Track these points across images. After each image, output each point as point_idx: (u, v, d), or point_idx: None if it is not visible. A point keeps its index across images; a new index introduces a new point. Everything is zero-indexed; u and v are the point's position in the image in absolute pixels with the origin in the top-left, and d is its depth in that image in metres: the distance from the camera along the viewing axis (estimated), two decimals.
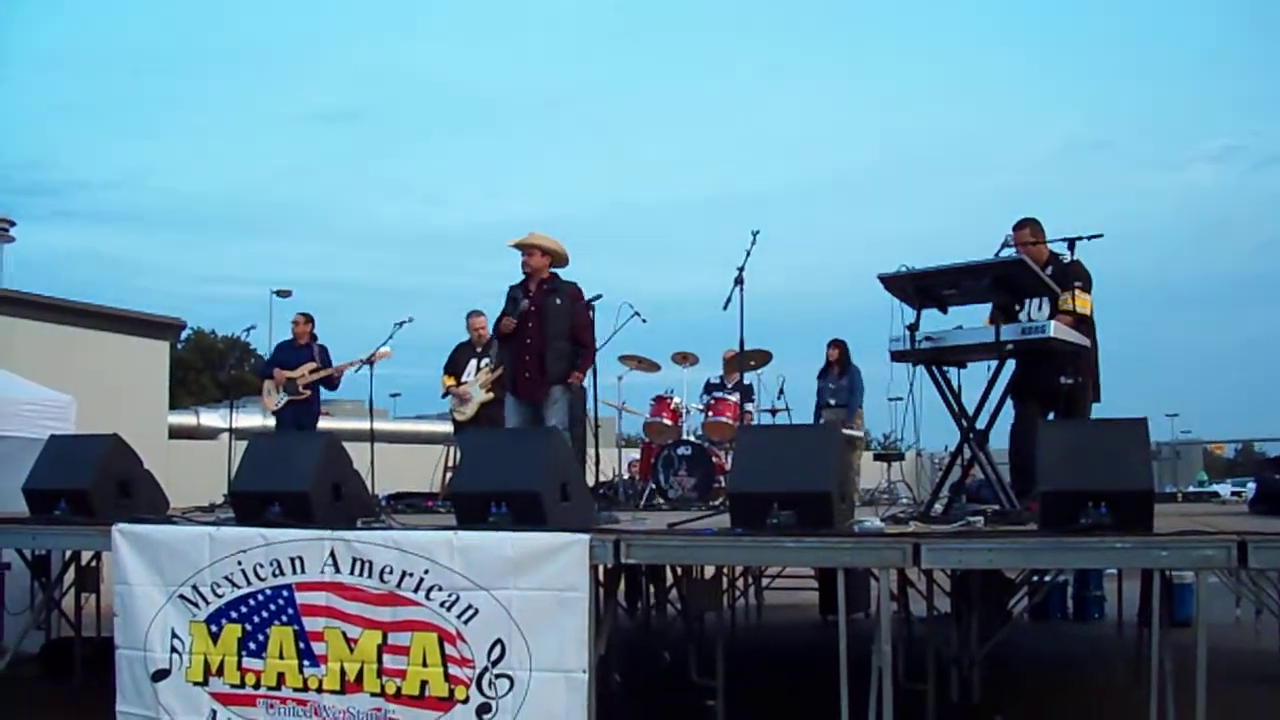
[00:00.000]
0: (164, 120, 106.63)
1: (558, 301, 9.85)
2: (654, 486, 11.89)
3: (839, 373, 14.32)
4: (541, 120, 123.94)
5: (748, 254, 10.35)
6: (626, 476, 13.60)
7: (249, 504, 7.11)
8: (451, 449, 12.86)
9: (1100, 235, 8.11)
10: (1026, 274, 7.37)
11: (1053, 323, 7.23)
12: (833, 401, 14.11)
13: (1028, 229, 8.46)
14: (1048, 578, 10.28)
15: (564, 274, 10.05)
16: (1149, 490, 5.81)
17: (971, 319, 7.73)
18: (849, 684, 5.75)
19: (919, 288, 7.35)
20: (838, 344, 14.46)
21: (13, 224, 22.59)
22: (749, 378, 13.16)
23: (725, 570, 9.46)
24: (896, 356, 7.43)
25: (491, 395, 11.85)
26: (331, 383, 13.31)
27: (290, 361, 13.23)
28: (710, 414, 12.75)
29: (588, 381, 10.36)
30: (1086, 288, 8.14)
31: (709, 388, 13.58)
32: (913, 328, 7.33)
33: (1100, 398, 8.41)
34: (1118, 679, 8.79)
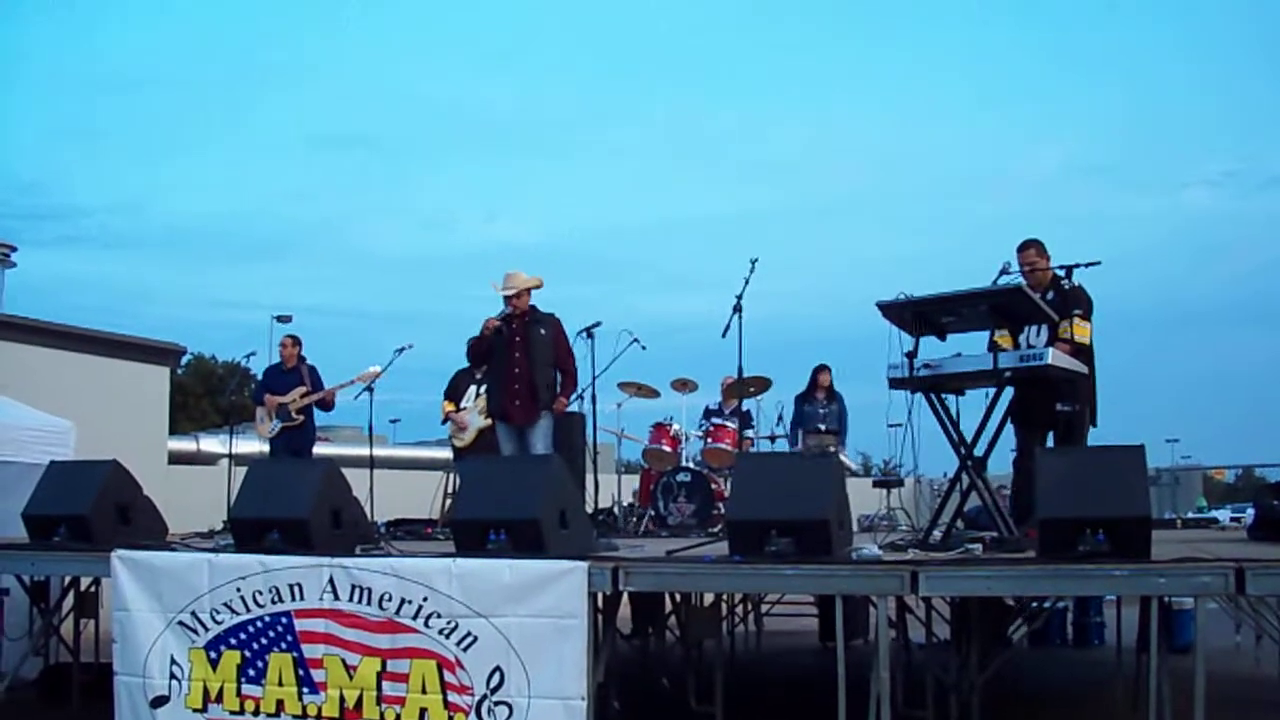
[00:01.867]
0: (166, 145, 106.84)
1: (542, 331, 10.13)
2: (653, 513, 11.89)
3: (827, 399, 14.26)
4: (541, 145, 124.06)
5: (746, 281, 10.41)
6: (628, 503, 13.57)
7: (248, 530, 7.13)
8: (451, 475, 12.85)
9: (1098, 263, 8.13)
10: (1024, 301, 7.38)
11: (1050, 350, 7.25)
12: (821, 427, 14.05)
13: (1033, 249, 8.50)
14: (1047, 604, 10.27)
15: (559, 298, 10.17)
16: (1147, 517, 5.83)
17: (970, 346, 7.76)
18: (847, 711, 5.75)
19: (917, 315, 7.37)
20: (828, 369, 14.40)
21: (14, 249, 22.53)
22: (748, 404, 13.16)
23: (724, 597, 9.45)
24: (895, 384, 7.45)
25: (490, 421, 11.84)
26: (325, 404, 13.27)
27: (280, 386, 13.19)
28: (709, 440, 12.77)
29: (586, 408, 10.42)
30: (1087, 315, 8.16)
31: (708, 414, 13.61)
32: (911, 355, 7.35)
33: (1097, 424, 8.42)
34: (1117, 705, 8.77)
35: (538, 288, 10.26)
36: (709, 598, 9.01)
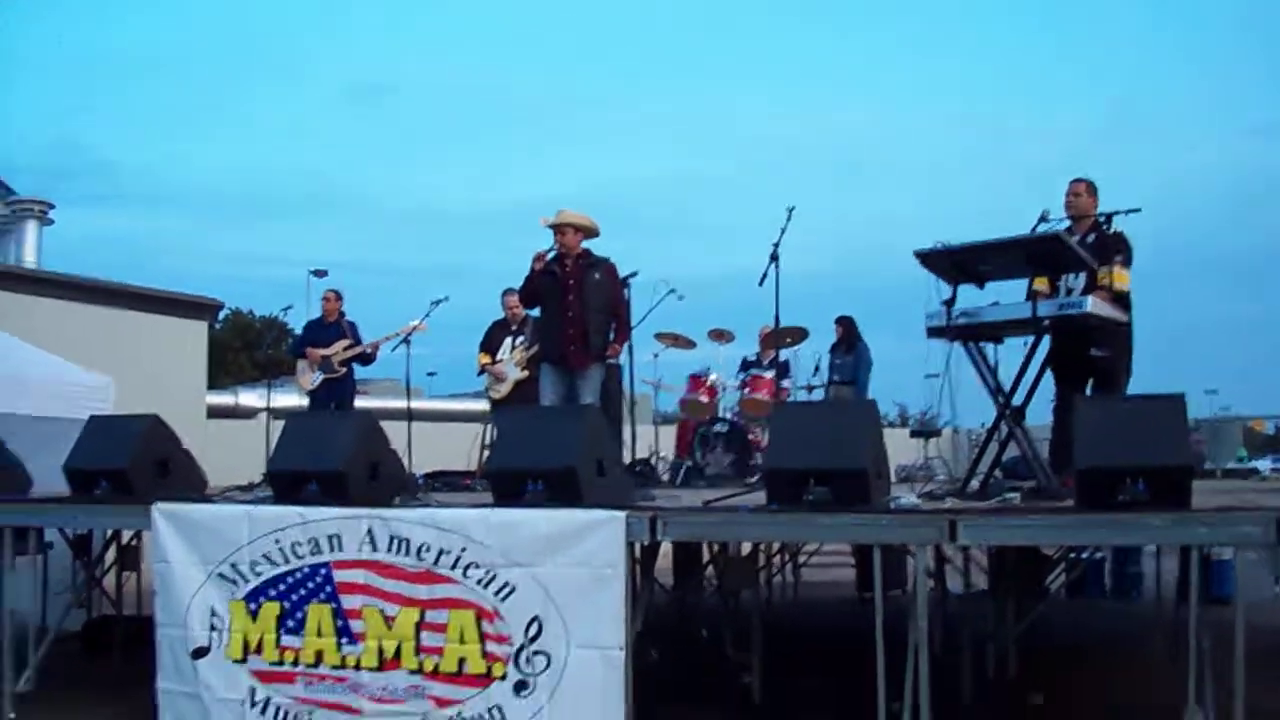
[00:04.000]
0: (199, 103, 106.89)
1: (596, 276, 9.93)
2: (690, 464, 11.89)
3: (845, 349, 14.22)
4: (577, 97, 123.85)
5: (783, 231, 10.33)
6: (665, 454, 13.58)
7: (286, 483, 7.14)
8: (488, 427, 12.87)
9: (1138, 210, 8.08)
10: (1063, 249, 7.33)
11: (1090, 298, 7.20)
12: (837, 378, 14.02)
13: (1083, 184, 8.46)
14: (1085, 554, 10.25)
15: (598, 249, 10.07)
16: (1188, 466, 5.78)
17: (1008, 295, 7.72)
18: (885, 660, 5.75)
19: (955, 264, 7.33)
20: (843, 320, 14.29)
21: (51, 206, 22.66)
22: (785, 354, 13.13)
23: (761, 547, 9.44)
24: (933, 333, 7.41)
25: (526, 373, 11.85)
26: (366, 359, 13.34)
27: (321, 339, 13.26)
28: (747, 391, 12.75)
29: (624, 358, 10.38)
30: (1127, 262, 8.10)
31: (745, 365, 13.57)
32: (949, 304, 7.31)
33: (1132, 373, 8.37)
34: (1156, 657, 8.75)
35: (593, 233, 10.10)
36: (746, 548, 9.02)
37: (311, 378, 13.19)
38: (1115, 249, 8.10)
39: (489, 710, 6.17)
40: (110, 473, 7.69)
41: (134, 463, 7.66)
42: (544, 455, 6.52)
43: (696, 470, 11.77)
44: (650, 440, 13.38)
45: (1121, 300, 7.93)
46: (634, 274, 10.55)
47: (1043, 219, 8.00)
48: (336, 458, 6.93)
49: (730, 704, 7.71)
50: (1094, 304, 7.14)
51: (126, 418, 8.26)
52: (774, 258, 10.30)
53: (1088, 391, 8.24)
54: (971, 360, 7.38)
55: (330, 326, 13.40)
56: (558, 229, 9.86)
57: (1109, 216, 8.21)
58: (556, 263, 9.95)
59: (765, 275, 10.38)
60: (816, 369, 13.87)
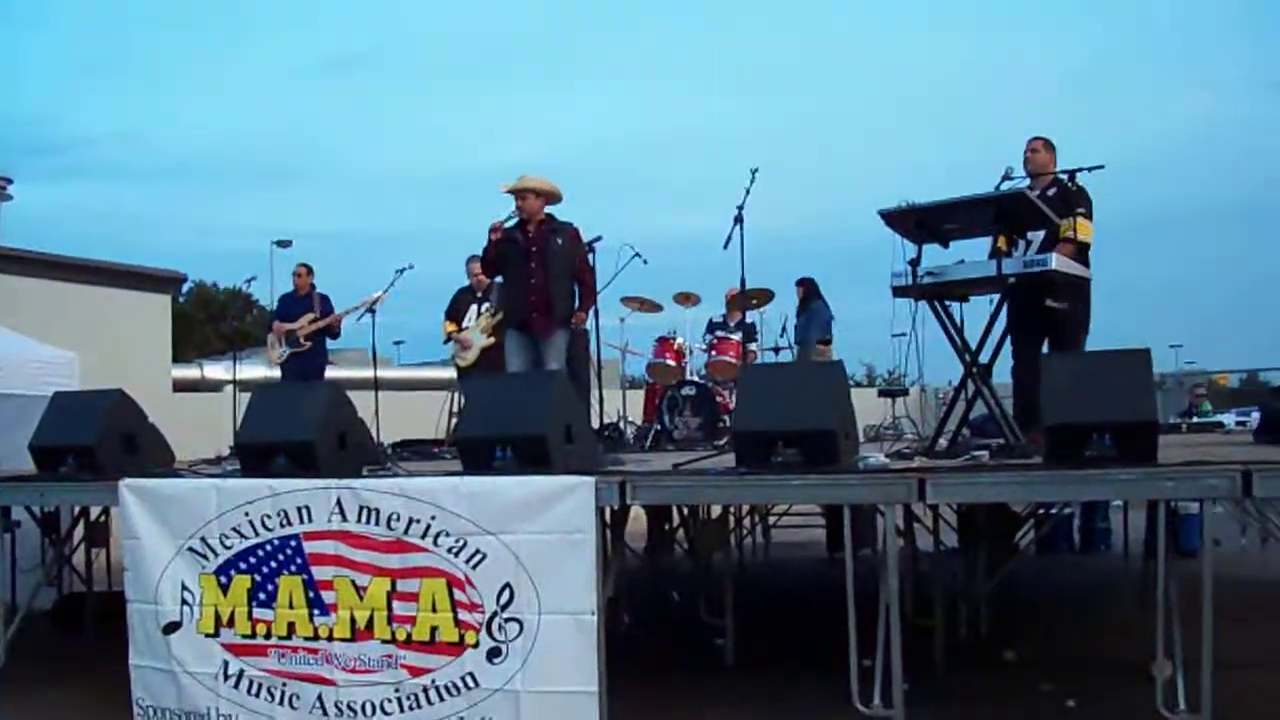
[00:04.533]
0: (161, 74, 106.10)
1: (559, 241, 9.89)
2: (659, 428, 11.90)
3: (800, 310, 14.27)
4: (538, 60, 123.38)
5: (747, 192, 10.30)
6: (633, 419, 13.58)
7: (255, 455, 7.12)
8: (455, 395, 12.86)
9: (1101, 166, 8.10)
10: (1027, 206, 7.35)
11: (1054, 255, 7.22)
12: (796, 340, 14.09)
13: (1040, 140, 8.51)
14: (1054, 510, 10.30)
15: (561, 215, 10.04)
16: (1153, 421, 5.83)
17: (972, 253, 7.73)
18: (857, 620, 5.77)
19: (920, 223, 7.33)
20: (802, 282, 14.32)
21: (10, 182, 22.54)
22: (751, 316, 13.15)
23: (732, 510, 9.46)
24: (899, 292, 7.41)
25: (492, 340, 11.83)
26: (332, 331, 13.42)
27: (291, 313, 13.35)
28: (714, 353, 12.77)
29: (590, 323, 10.37)
30: (1089, 215, 8.15)
31: (711, 327, 13.58)
32: (914, 263, 7.32)
33: (1089, 329, 8.40)
34: (1125, 610, 8.81)
35: (555, 198, 10.05)
36: (716, 511, 9.04)
37: (279, 351, 13.28)
38: (1078, 202, 8.14)
39: (463, 678, 6.16)
40: (76, 449, 7.66)
41: (100, 439, 7.62)
42: (512, 422, 6.52)
43: (665, 434, 11.78)
44: (618, 405, 13.37)
45: (1084, 252, 7.97)
46: (598, 238, 10.55)
47: (1006, 177, 8.04)
48: (304, 429, 6.91)
49: (704, 666, 7.74)
50: (1058, 261, 7.17)
51: (91, 393, 8.23)
52: (738, 220, 10.28)
53: (1044, 347, 8.28)
54: (938, 319, 7.38)
55: (301, 300, 13.48)
56: (519, 194, 9.82)
57: (1072, 173, 8.24)
58: (519, 229, 9.91)
59: (730, 238, 10.36)
60: (783, 330, 13.91)
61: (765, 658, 7.97)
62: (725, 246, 10.40)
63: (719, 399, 11.93)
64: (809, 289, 14.28)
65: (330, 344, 13.77)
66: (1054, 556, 12.96)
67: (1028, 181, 8.23)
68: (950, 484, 5.89)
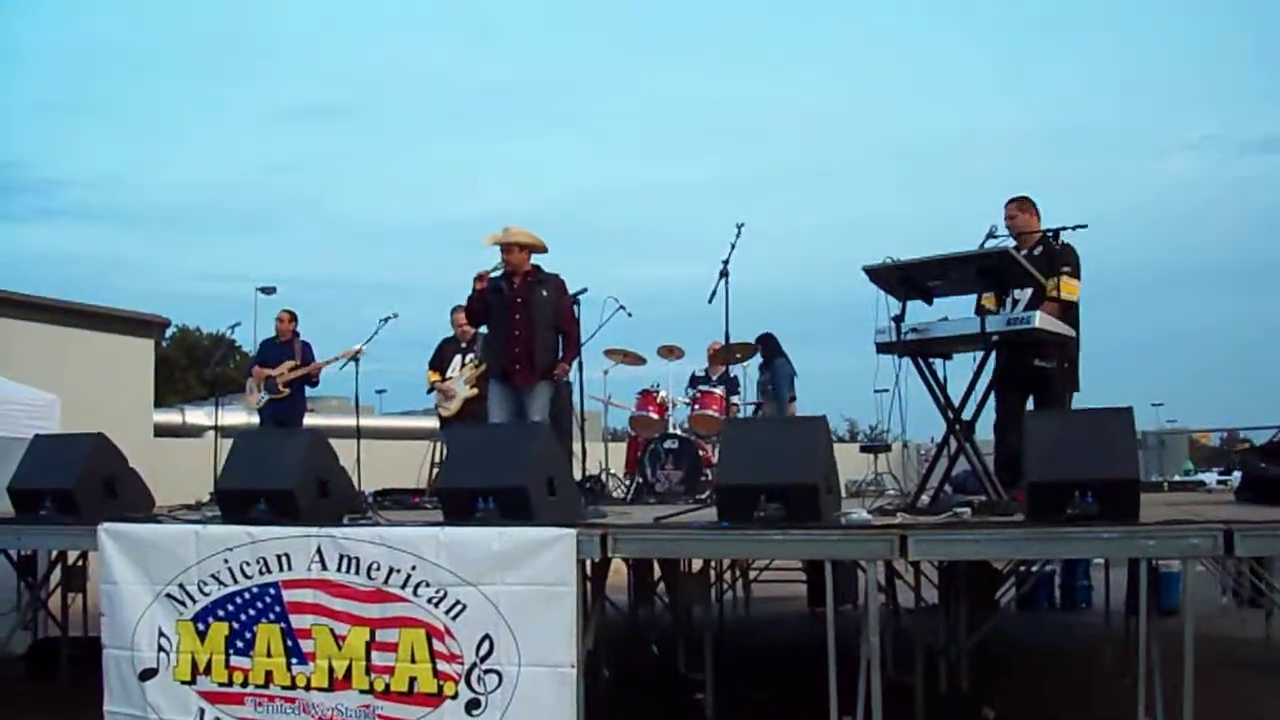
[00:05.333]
0: (145, 118, 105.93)
1: (544, 293, 9.87)
2: (640, 480, 11.89)
3: (763, 368, 14.27)
4: (520, 113, 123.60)
5: (733, 246, 10.35)
6: (615, 471, 13.58)
7: (235, 501, 7.10)
8: (437, 445, 12.86)
9: (1084, 226, 8.13)
10: (1012, 264, 7.38)
11: (1038, 314, 7.23)
12: (760, 398, 14.08)
13: (1014, 204, 8.54)
14: (1035, 568, 10.30)
15: (547, 266, 10.05)
16: (1135, 479, 5.83)
17: (956, 310, 7.75)
18: (837, 675, 5.76)
19: (904, 279, 7.36)
20: (761, 339, 14.25)
21: None
22: (734, 370, 13.17)
23: (713, 564, 9.44)
24: (882, 348, 7.44)
25: (476, 391, 11.85)
26: (311, 380, 13.41)
27: (272, 359, 13.34)
28: (696, 407, 12.76)
29: (574, 375, 10.36)
30: (1075, 273, 8.17)
31: (694, 381, 13.60)
32: (898, 319, 7.34)
33: (1079, 386, 8.42)
34: (1107, 667, 8.80)
35: (540, 249, 10.03)
36: (697, 564, 9.02)
37: (258, 397, 13.26)
38: (1063, 260, 8.17)
39: None
40: (55, 492, 7.62)
41: (80, 482, 7.59)
42: (495, 473, 6.51)
43: (647, 486, 11.77)
44: (600, 457, 13.36)
45: (1070, 312, 7.99)
46: (583, 290, 10.54)
47: (990, 234, 8.05)
48: (285, 476, 6.90)
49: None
50: (1041, 319, 7.18)
51: (72, 436, 8.20)
52: (724, 274, 10.32)
53: (1029, 404, 8.30)
54: (921, 376, 7.40)
55: (282, 346, 13.48)
56: (505, 247, 9.83)
57: (1056, 232, 8.27)
58: (504, 279, 9.90)
59: (715, 291, 10.39)
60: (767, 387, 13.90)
61: (745, 712, 7.93)
62: (710, 300, 10.43)
63: (701, 452, 11.93)
64: (769, 345, 14.23)
65: (310, 391, 13.75)
66: (1035, 613, 12.96)
67: (1013, 243, 8.25)
68: (932, 541, 5.88)
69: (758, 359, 14.04)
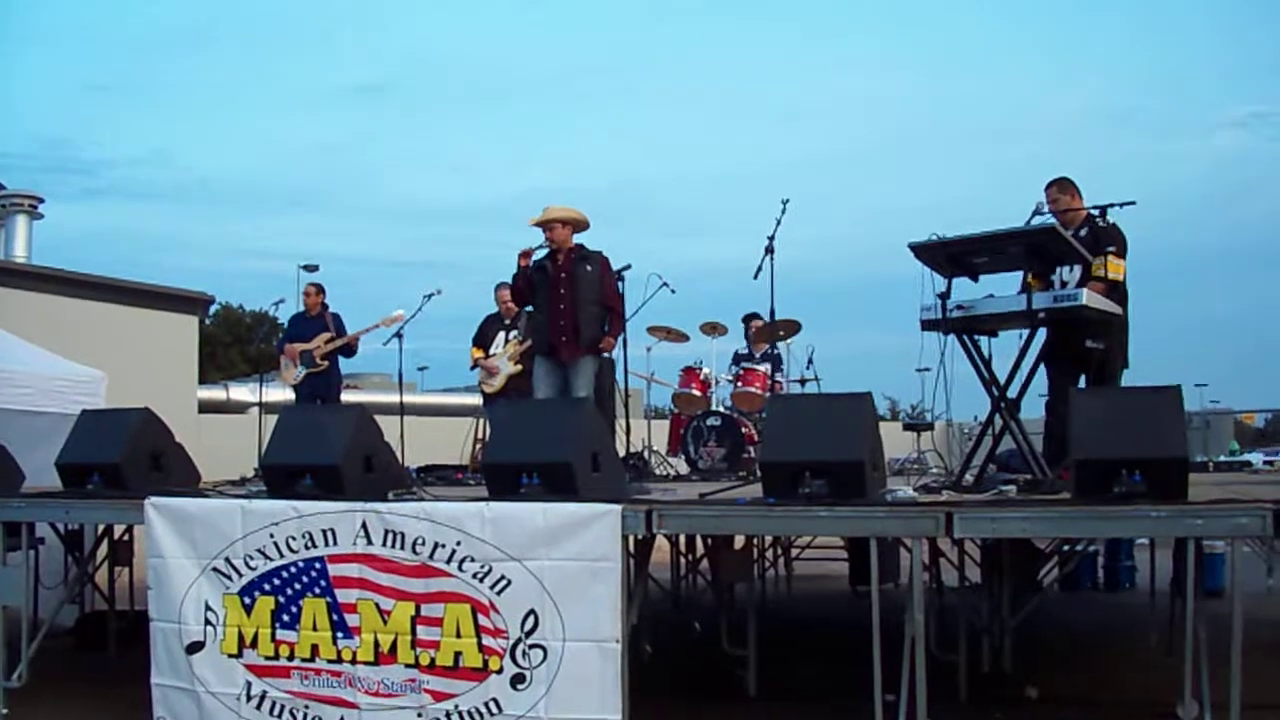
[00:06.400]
0: (190, 97, 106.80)
1: (588, 268, 9.96)
2: (683, 457, 11.89)
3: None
4: (565, 91, 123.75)
5: (778, 223, 10.36)
6: (659, 449, 13.57)
7: (280, 477, 7.12)
8: (480, 421, 12.88)
9: (1133, 203, 8.07)
10: (1058, 241, 7.33)
11: (1085, 290, 7.19)
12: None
13: (1055, 187, 8.48)
14: (1079, 547, 10.25)
15: (590, 243, 10.10)
16: (1184, 458, 5.77)
17: (1001, 287, 7.71)
18: (881, 654, 5.74)
19: (950, 256, 7.32)
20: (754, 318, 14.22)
21: (41, 201, 22.72)
22: (778, 347, 13.14)
23: (755, 540, 9.44)
24: (927, 325, 7.39)
25: (520, 367, 11.87)
26: (349, 350, 13.44)
27: (304, 333, 13.36)
28: (739, 384, 12.74)
29: (617, 352, 10.39)
30: (1121, 253, 8.11)
31: (737, 358, 13.56)
32: (944, 296, 7.30)
33: (1129, 364, 8.38)
34: (1151, 649, 8.75)
35: (582, 225, 10.12)
36: (740, 541, 9.01)
37: (295, 372, 13.28)
38: (1109, 240, 8.11)
39: (486, 703, 6.16)
40: (103, 467, 7.68)
41: (127, 457, 7.64)
42: (539, 449, 6.51)
43: (690, 464, 11.77)
44: (643, 434, 13.36)
45: (1116, 291, 7.94)
46: (627, 267, 10.56)
47: (1037, 211, 8.01)
48: (331, 451, 6.91)
49: (725, 696, 7.70)
50: (1089, 296, 7.14)
51: (119, 412, 8.24)
52: (769, 250, 10.31)
53: (1081, 383, 8.25)
54: (966, 353, 7.36)
55: (314, 320, 13.49)
56: (546, 225, 9.88)
57: (1103, 211, 8.22)
58: (549, 258, 9.98)
59: (760, 268, 10.39)
60: (810, 361, 13.85)
61: (787, 689, 7.94)
62: (755, 277, 10.44)
63: (744, 430, 11.92)
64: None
65: (352, 365, 13.79)
66: (1078, 594, 12.89)
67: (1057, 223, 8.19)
68: (978, 518, 5.84)
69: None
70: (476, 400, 14.14)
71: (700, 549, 10.28)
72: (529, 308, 10.88)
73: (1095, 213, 8.31)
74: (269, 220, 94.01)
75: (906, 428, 14.97)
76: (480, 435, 12.92)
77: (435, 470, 11.02)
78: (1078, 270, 7.98)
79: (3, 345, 11.69)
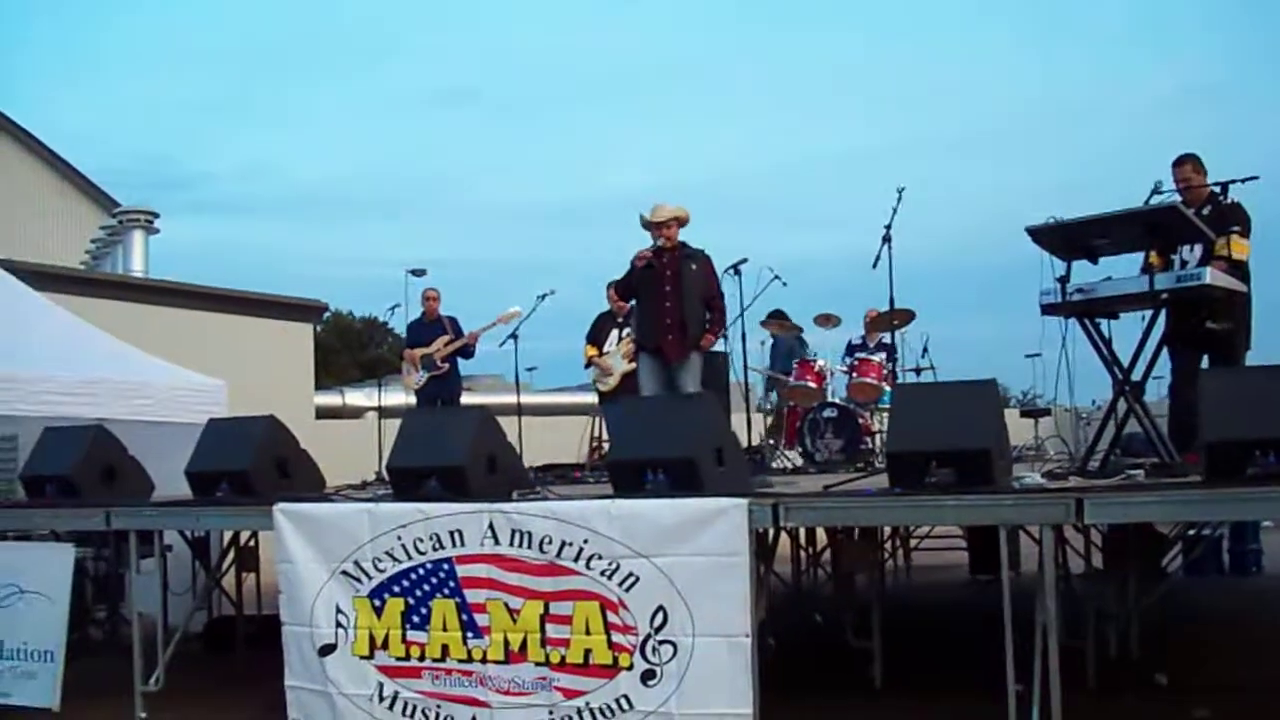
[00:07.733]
0: (288, 109, 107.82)
1: (693, 267, 10.03)
2: (801, 450, 11.86)
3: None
4: (664, 87, 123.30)
5: (894, 211, 10.31)
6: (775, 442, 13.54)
7: (406, 479, 7.19)
8: (596, 419, 12.93)
9: (1255, 178, 7.91)
10: (1180, 220, 7.20)
11: (1208, 269, 7.06)
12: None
13: (1189, 164, 8.35)
14: (1205, 532, 10.11)
15: (693, 239, 10.18)
16: None
17: (1118, 269, 7.60)
18: (1013, 642, 5.70)
19: (1068, 239, 7.22)
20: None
21: (156, 216, 23.12)
22: (892, 337, 13.06)
23: (876, 532, 9.40)
24: (1047, 310, 7.29)
25: (633, 365, 11.86)
26: (467, 351, 13.58)
27: (425, 338, 13.53)
28: (855, 375, 12.69)
29: (734, 346, 10.41)
30: (1245, 232, 7.99)
31: (851, 349, 13.51)
32: (1063, 280, 7.21)
33: (1251, 345, 8.24)
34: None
35: (684, 221, 10.18)
36: (860, 533, 8.98)
37: (416, 377, 13.42)
38: (1233, 219, 7.98)
39: (617, 700, 6.18)
40: (231, 474, 7.81)
41: (254, 464, 7.77)
42: (663, 445, 6.52)
43: (807, 456, 11.74)
44: (759, 428, 13.34)
45: (1239, 270, 7.81)
46: (743, 260, 10.59)
47: (1156, 191, 7.88)
48: (456, 453, 6.96)
49: (852, 689, 7.68)
50: (1212, 275, 7.00)
51: (244, 420, 8.37)
52: (886, 239, 10.26)
53: (1204, 365, 8.13)
54: (1089, 337, 7.26)
55: (432, 325, 13.65)
56: (662, 224, 9.93)
57: (1225, 186, 8.08)
58: (655, 255, 10.02)
59: (879, 257, 10.35)
60: (925, 350, 13.76)
61: (914, 681, 7.89)
62: (874, 266, 10.40)
63: (860, 420, 11.87)
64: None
65: (465, 369, 13.91)
66: (1203, 579, 12.70)
67: (1178, 198, 8.06)
68: (1109, 503, 5.76)
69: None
70: (588, 399, 14.19)
71: (820, 542, 10.26)
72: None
73: (1217, 190, 8.16)
74: (370, 227, 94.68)
75: (1024, 414, 14.80)
76: (596, 433, 12.97)
77: (554, 469, 11.08)
78: (1199, 249, 7.85)
79: (126, 359, 11.90)
